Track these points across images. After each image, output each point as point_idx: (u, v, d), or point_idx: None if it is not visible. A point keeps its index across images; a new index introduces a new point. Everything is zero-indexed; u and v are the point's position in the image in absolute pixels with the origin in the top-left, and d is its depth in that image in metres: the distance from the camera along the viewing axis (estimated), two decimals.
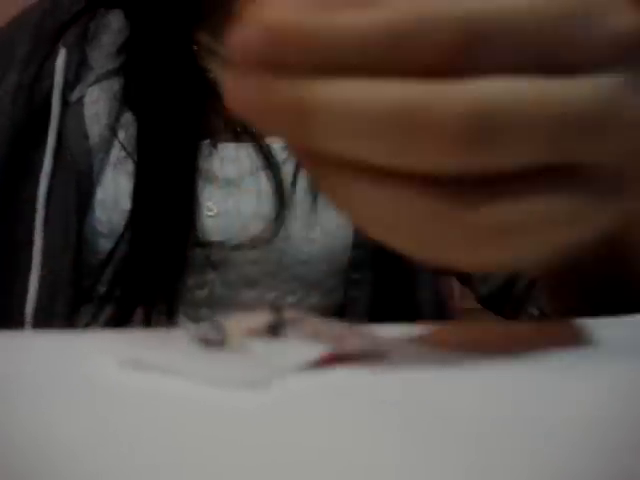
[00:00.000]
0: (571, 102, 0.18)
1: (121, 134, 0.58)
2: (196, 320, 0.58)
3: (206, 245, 0.57)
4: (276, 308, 0.24)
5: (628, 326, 0.26)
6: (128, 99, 0.59)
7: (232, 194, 0.58)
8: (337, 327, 0.23)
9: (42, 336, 0.27)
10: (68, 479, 0.14)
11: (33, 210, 0.57)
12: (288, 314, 0.24)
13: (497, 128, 0.18)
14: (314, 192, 0.59)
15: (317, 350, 0.21)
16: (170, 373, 0.20)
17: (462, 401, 0.18)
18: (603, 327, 0.24)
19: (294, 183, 0.59)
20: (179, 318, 0.58)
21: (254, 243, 0.57)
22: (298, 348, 0.22)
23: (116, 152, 0.58)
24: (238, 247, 0.57)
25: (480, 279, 0.64)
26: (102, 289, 0.57)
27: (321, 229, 0.59)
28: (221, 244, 0.57)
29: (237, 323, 0.24)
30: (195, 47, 0.61)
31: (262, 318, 0.24)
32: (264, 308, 0.25)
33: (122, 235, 0.56)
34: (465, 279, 0.67)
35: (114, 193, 0.57)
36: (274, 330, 0.23)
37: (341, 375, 0.21)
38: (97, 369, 0.20)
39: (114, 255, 0.57)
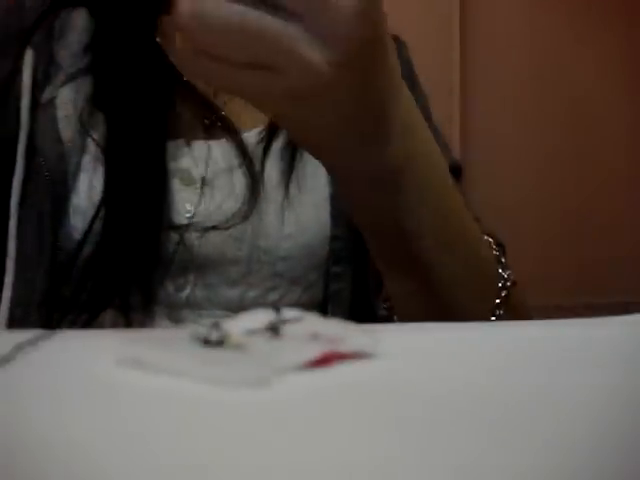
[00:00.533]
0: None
1: (94, 136, 0.57)
2: (178, 322, 0.57)
3: (179, 228, 0.56)
4: (275, 308, 0.25)
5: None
6: (97, 98, 0.58)
7: (207, 194, 0.57)
8: (335, 326, 0.24)
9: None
10: (68, 478, 0.14)
11: (5, 217, 0.56)
12: (287, 314, 0.24)
13: None
14: (287, 187, 0.59)
15: (316, 349, 0.21)
16: (170, 373, 0.20)
17: (460, 399, 0.18)
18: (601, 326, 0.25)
19: (260, 173, 0.59)
20: (161, 320, 0.57)
21: (228, 224, 0.57)
22: (297, 347, 0.22)
23: (90, 156, 0.57)
24: (212, 228, 0.57)
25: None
26: (70, 289, 0.56)
27: (297, 224, 0.59)
28: (195, 226, 0.56)
29: (236, 323, 0.24)
30: (160, 42, 0.60)
31: (262, 318, 0.24)
32: (264, 308, 0.25)
33: (88, 231, 0.55)
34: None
35: (89, 198, 0.56)
36: (274, 329, 0.23)
37: (339, 374, 0.21)
38: (99, 368, 0.21)
39: (82, 254, 0.55)
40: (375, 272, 0.63)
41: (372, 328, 0.25)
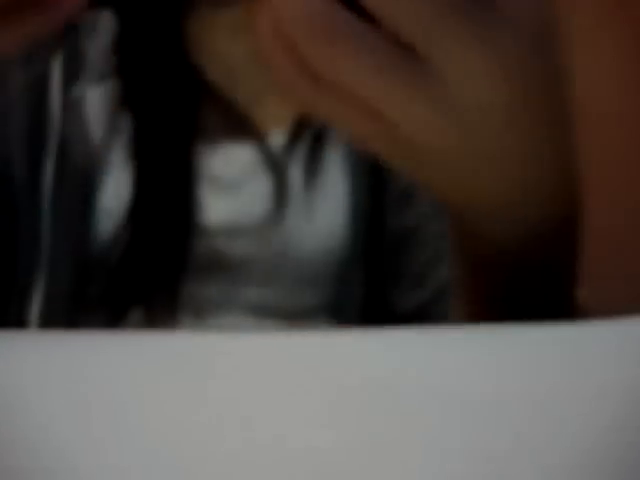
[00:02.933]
0: None
1: (122, 136, 0.58)
2: (201, 322, 0.58)
3: (206, 231, 0.57)
4: None
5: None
6: (125, 99, 0.58)
7: (233, 196, 0.58)
8: None
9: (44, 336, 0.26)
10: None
11: (34, 216, 0.57)
12: None
13: None
14: (310, 192, 0.59)
15: None
16: None
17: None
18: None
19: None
20: (184, 320, 0.58)
21: (254, 228, 0.57)
22: None
23: (118, 156, 0.58)
24: (238, 234, 0.57)
25: (405, 293, 0.63)
26: (96, 289, 0.57)
27: (318, 228, 0.59)
28: (222, 229, 0.57)
29: None
30: (186, 44, 0.60)
31: None
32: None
33: (117, 233, 0.56)
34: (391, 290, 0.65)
35: (117, 198, 0.57)
36: None
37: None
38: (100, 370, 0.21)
39: (110, 255, 0.56)
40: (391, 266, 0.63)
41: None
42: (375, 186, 0.63)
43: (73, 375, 0.20)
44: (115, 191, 0.57)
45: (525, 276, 0.33)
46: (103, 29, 0.62)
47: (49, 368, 0.20)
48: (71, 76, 0.60)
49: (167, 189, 0.57)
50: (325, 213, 0.60)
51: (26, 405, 0.17)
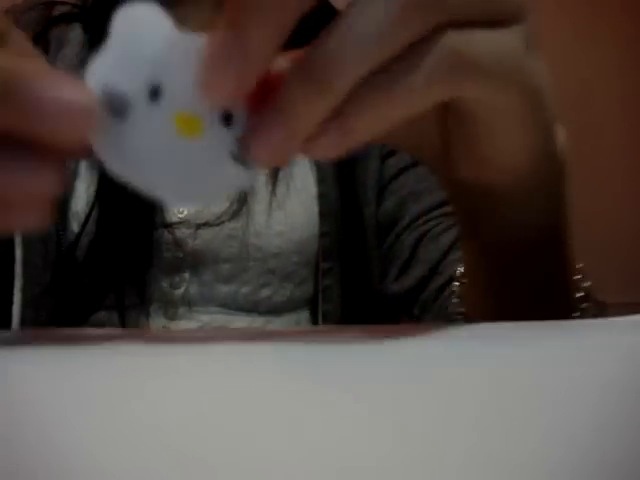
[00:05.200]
0: None
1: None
2: (172, 319, 0.58)
3: (172, 225, 0.58)
4: None
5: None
6: None
7: None
8: None
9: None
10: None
11: None
12: None
13: None
14: (274, 186, 0.60)
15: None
16: None
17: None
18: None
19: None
20: (156, 318, 0.58)
21: (219, 220, 0.58)
22: None
23: (86, 162, 0.59)
24: (203, 225, 0.58)
25: (393, 278, 0.64)
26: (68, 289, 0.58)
27: (286, 222, 0.60)
28: (186, 224, 0.58)
29: None
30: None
31: None
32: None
33: (81, 232, 0.57)
34: (381, 278, 0.66)
35: (87, 204, 0.58)
36: None
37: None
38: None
39: (78, 255, 0.57)
40: (379, 259, 0.64)
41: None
42: (345, 175, 0.64)
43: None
44: (85, 197, 0.58)
45: (529, 270, 0.34)
46: (71, 43, 0.64)
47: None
48: None
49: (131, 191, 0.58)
50: (294, 208, 0.61)
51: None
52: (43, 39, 0.63)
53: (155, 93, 0.24)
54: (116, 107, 0.23)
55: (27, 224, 0.23)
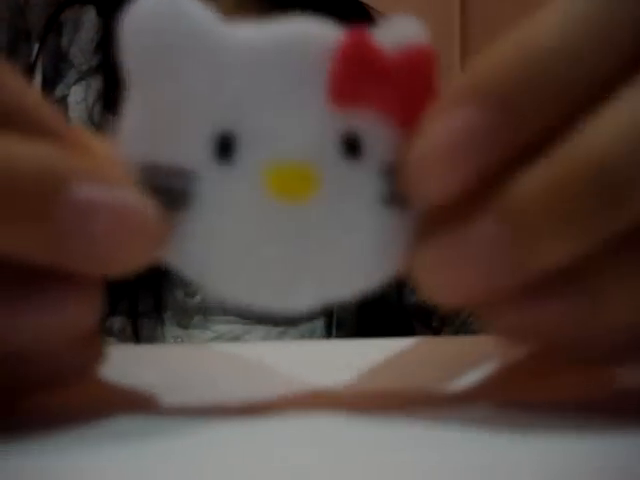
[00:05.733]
0: None
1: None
2: (187, 329, 0.56)
3: None
4: None
5: None
6: (106, 98, 0.56)
7: None
8: None
9: None
10: None
11: None
12: None
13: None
14: None
15: None
16: None
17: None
18: None
19: None
20: (170, 327, 0.56)
21: None
22: None
23: None
24: None
25: (411, 287, 0.61)
26: None
27: None
28: None
29: None
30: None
31: None
32: None
33: None
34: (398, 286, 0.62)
35: None
36: None
37: None
38: None
39: None
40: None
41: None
42: None
43: None
44: None
45: None
46: (86, 26, 0.60)
47: None
48: (54, 75, 0.58)
49: None
50: None
51: None
52: (56, 22, 0.60)
53: (226, 147, 0.15)
54: (170, 191, 0.15)
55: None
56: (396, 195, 0.16)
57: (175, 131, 0.15)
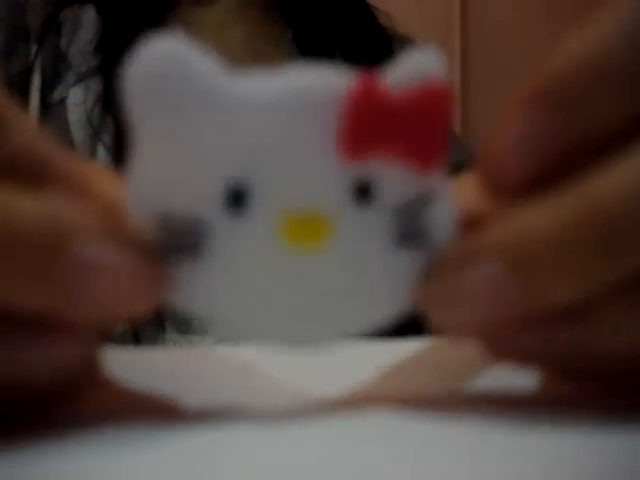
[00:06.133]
0: None
1: (104, 139, 0.55)
2: (187, 335, 0.55)
3: None
4: None
5: None
6: (106, 100, 0.55)
7: None
8: None
9: None
10: None
11: None
12: None
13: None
14: None
15: None
16: None
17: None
18: None
19: None
20: (170, 333, 0.55)
21: None
22: None
23: (100, 160, 0.55)
24: None
25: None
26: None
27: None
28: None
29: None
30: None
31: None
32: None
33: None
34: None
35: None
36: None
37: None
38: None
39: None
40: None
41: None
42: None
43: None
44: None
45: None
46: (85, 27, 0.59)
47: None
48: (53, 77, 0.57)
49: None
50: None
51: None
52: (55, 22, 0.59)
53: (238, 198, 0.15)
54: (183, 244, 0.15)
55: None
56: (407, 235, 0.16)
57: (185, 182, 0.15)
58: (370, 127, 0.15)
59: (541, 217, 0.16)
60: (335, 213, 0.16)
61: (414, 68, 0.16)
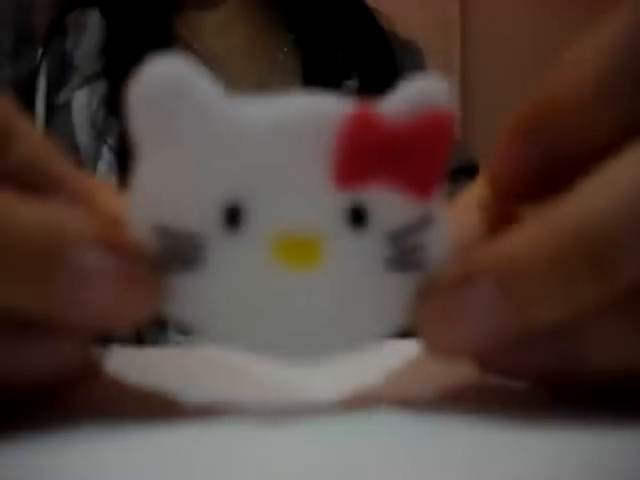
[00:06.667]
0: None
1: (109, 142, 0.55)
2: (189, 336, 0.56)
3: None
4: None
5: None
6: (111, 103, 0.56)
7: None
8: None
9: None
10: None
11: None
12: None
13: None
14: None
15: None
16: None
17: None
18: None
19: None
20: (172, 334, 0.55)
21: None
22: None
23: (105, 163, 0.55)
24: None
25: None
26: None
27: None
28: None
29: None
30: (175, 46, 0.58)
31: None
32: None
33: None
34: None
35: None
36: None
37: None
38: None
39: None
40: None
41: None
42: None
43: None
44: None
45: None
46: (90, 30, 0.60)
47: None
48: (58, 79, 0.57)
49: None
50: None
51: None
52: (61, 25, 0.59)
53: (234, 217, 0.16)
54: (180, 256, 0.16)
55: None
56: (401, 258, 0.17)
57: (184, 198, 0.16)
58: (364, 158, 0.16)
59: (526, 236, 0.17)
60: (328, 236, 0.16)
61: (415, 96, 0.16)
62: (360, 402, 0.20)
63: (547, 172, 0.18)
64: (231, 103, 0.16)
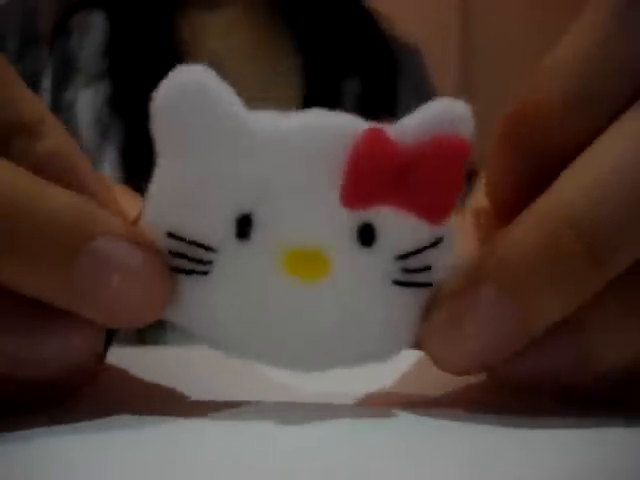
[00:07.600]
0: None
1: (114, 141, 0.55)
2: (189, 337, 0.56)
3: None
4: None
5: None
6: (116, 103, 0.56)
7: None
8: None
9: None
10: None
11: None
12: None
13: None
14: None
15: None
16: None
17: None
18: None
19: None
20: (172, 336, 0.55)
21: None
22: None
23: (110, 162, 0.55)
24: None
25: None
26: None
27: None
28: None
29: None
30: (178, 47, 0.58)
31: None
32: None
33: None
34: None
35: None
36: None
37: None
38: None
39: None
40: None
41: None
42: None
43: None
44: None
45: None
46: (94, 31, 0.60)
47: None
48: (63, 80, 0.58)
49: None
50: None
51: None
52: (66, 26, 0.60)
53: (245, 227, 0.16)
54: (190, 263, 0.16)
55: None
56: (408, 276, 0.17)
57: (198, 206, 0.16)
58: (373, 181, 0.16)
59: (516, 231, 0.17)
60: (336, 251, 0.16)
61: (432, 119, 0.16)
62: (362, 402, 0.20)
63: (537, 176, 0.18)
64: (250, 115, 0.16)
